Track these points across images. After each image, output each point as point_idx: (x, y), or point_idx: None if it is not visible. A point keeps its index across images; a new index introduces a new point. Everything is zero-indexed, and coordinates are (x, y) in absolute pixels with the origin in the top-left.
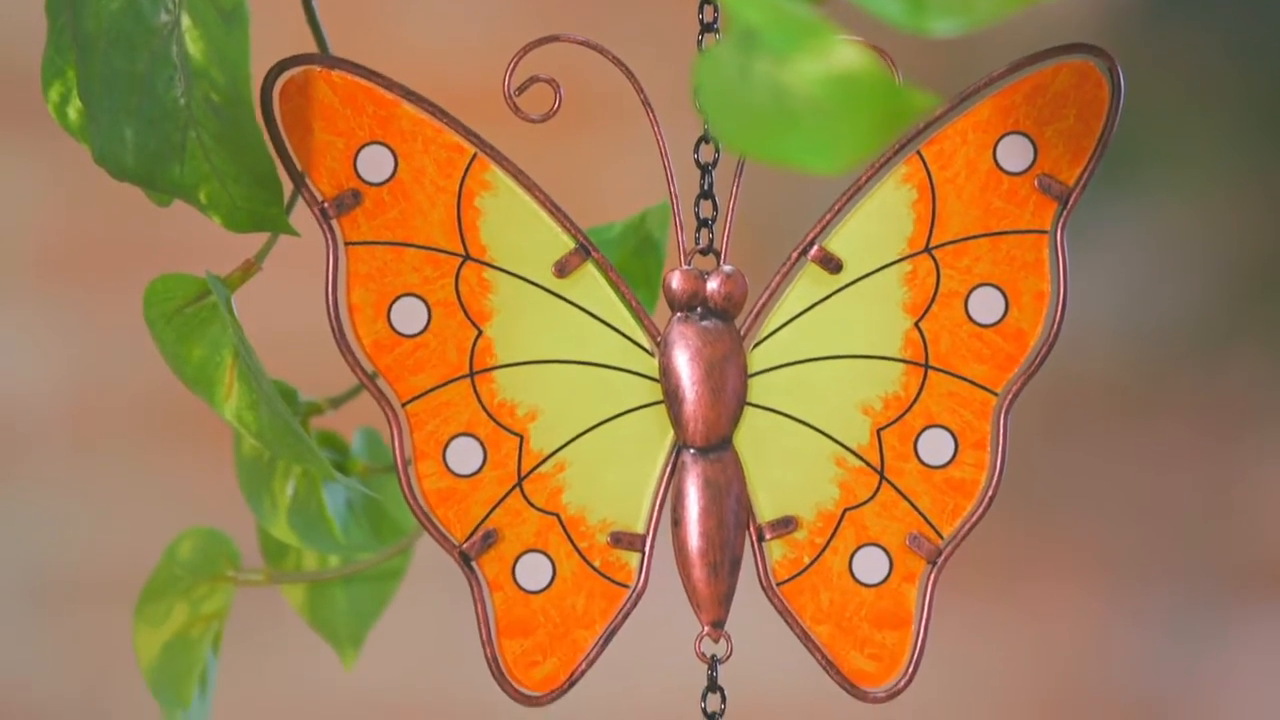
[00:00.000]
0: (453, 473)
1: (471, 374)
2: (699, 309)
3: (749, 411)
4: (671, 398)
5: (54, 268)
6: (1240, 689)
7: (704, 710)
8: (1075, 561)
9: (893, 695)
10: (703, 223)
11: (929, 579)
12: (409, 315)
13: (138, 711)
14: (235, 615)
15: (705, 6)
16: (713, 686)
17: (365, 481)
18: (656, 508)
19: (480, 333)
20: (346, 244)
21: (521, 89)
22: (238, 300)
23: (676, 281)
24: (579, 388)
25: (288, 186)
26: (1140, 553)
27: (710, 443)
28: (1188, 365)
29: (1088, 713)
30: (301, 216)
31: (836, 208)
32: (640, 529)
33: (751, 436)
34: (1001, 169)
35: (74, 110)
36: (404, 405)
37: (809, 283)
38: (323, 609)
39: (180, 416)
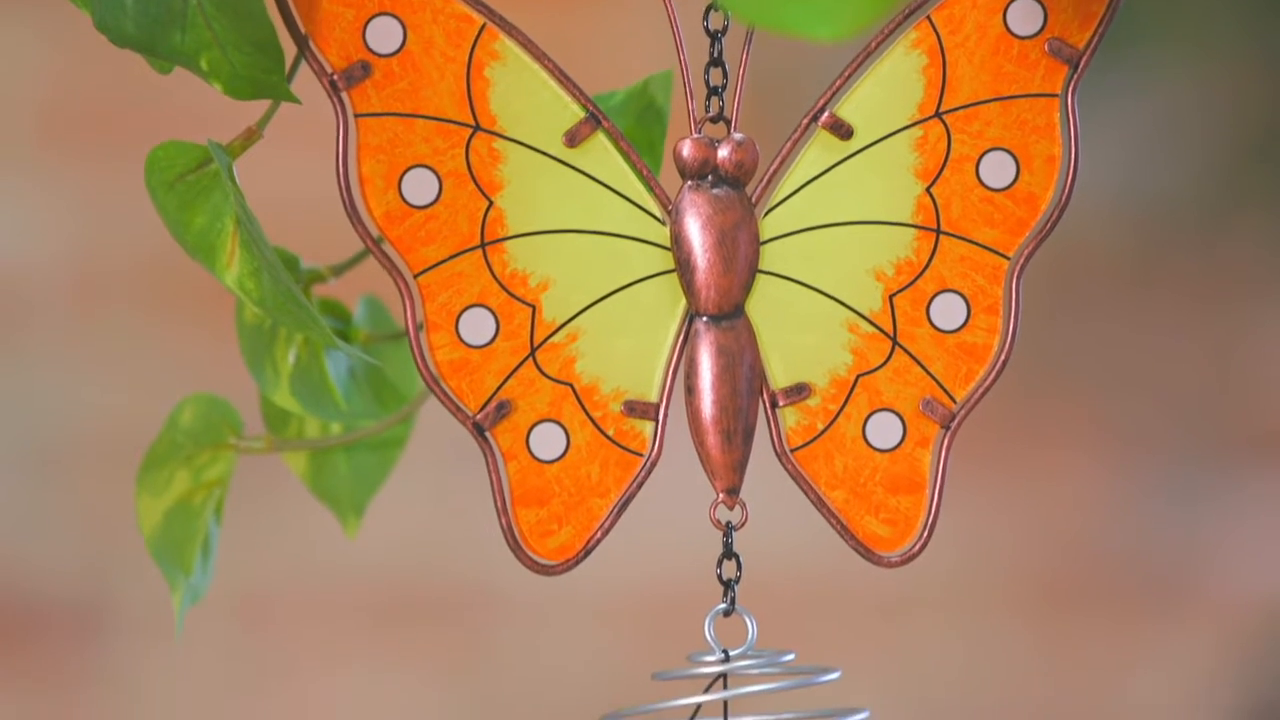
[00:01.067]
0: (465, 344)
1: (483, 245)
2: (710, 177)
3: (761, 279)
4: (683, 266)
5: (55, 135)
6: (1240, 551)
7: (720, 577)
8: (1078, 429)
9: (907, 559)
10: (713, 90)
11: (943, 443)
12: (420, 186)
13: (140, 579)
14: (237, 482)
15: None
16: (728, 553)
17: (367, 349)
18: (670, 376)
19: (491, 203)
20: (356, 116)
21: None
22: (239, 168)
23: (687, 150)
24: (591, 257)
25: (289, 54)
26: (1142, 420)
27: (723, 310)
28: (1188, 235)
29: (1091, 575)
30: (303, 83)
31: (847, 74)
32: (654, 398)
33: (764, 304)
34: (1011, 33)
35: None
36: (416, 277)
37: (820, 149)
38: (325, 477)
39: (182, 284)
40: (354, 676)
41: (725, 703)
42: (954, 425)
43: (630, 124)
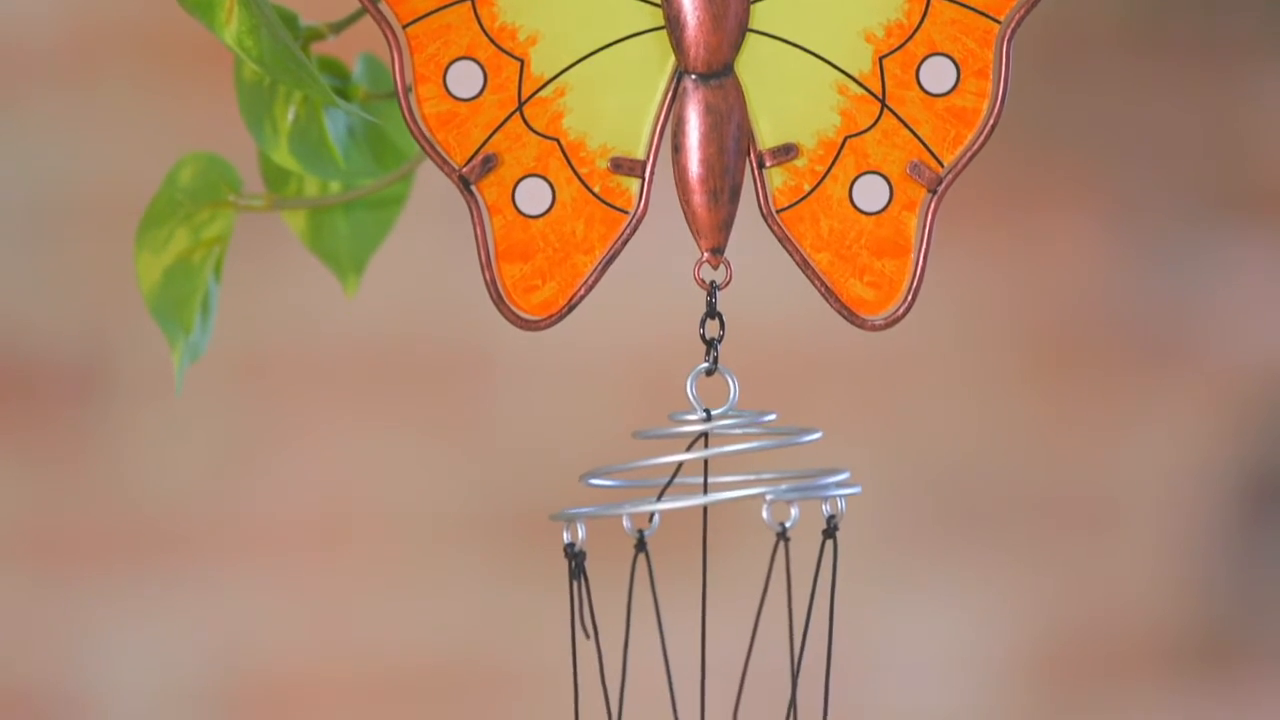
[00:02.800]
0: (453, 96)
1: None
2: None
3: (751, 38)
4: (673, 23)
5: None
6: (1238, 313)
7: (703, 336)
8: (1075, 192)
9: (891, 323)
10: None
11: (929, 207)
12: None
13: (139, 338)
14: (237, 241)
15: None
16: (711, 313)
17: (366, 107)
18: (657, 134)
19: None
20: None
21: None
22: None
23: None
24: (580, 12)
25: None
26: (1140, 182)
27: (712, 69)
28: None
29: (1088, 338)
30: None
31: None
32: (640, 155)
33: (753, 63)
34: None
35: None
36: (404, 28)
37: None
38: (324, 235)
39: (180, 42)
40: (351, 435)
41: (706, 461)
42: (941, 189)
43: None
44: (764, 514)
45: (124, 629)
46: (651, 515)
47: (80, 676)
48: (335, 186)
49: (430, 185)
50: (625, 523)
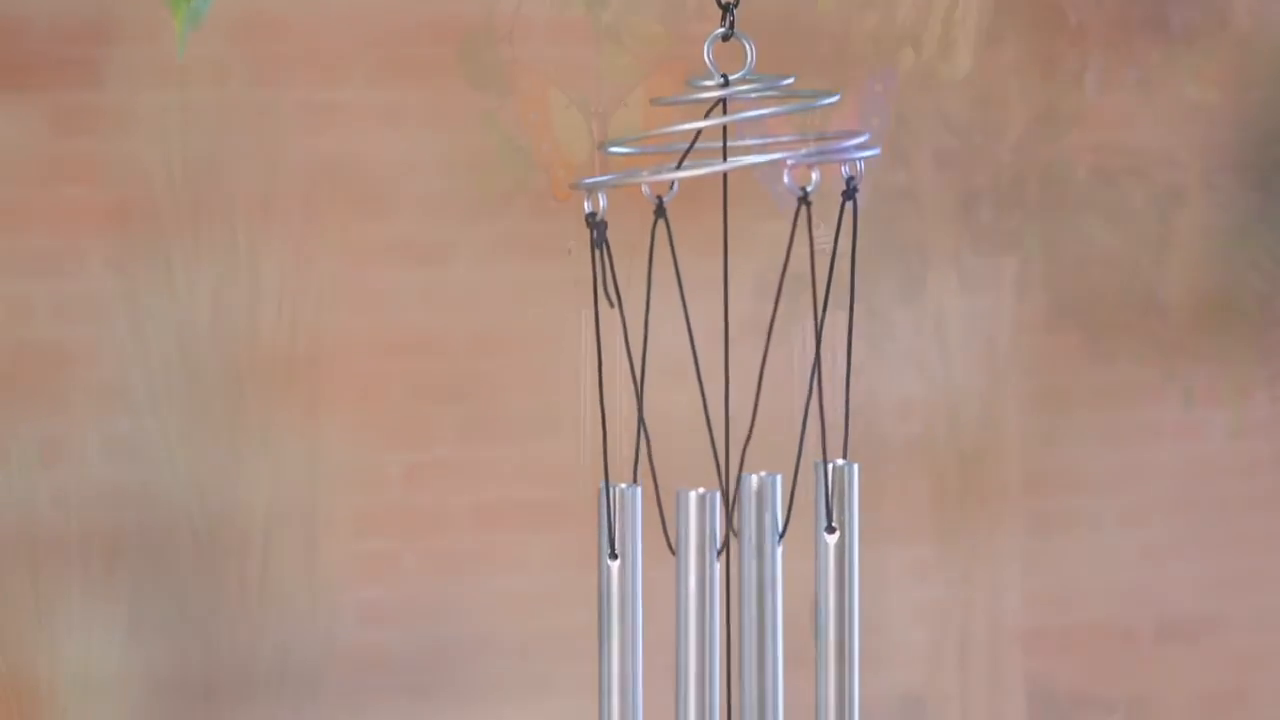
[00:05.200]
0: None
1: None
2: None
3: None
4: None
5: None
6: None
7: (719, 1)
8: None
9: None
10: None
11: None
12: None
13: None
14: None
15: None
16: None
17: None
18: None
19: None
20: None
21: None
22: None
23: None
24: None
25: None
26: None
27: None
28: None
29: None
30: None
31: None
32: None
33: None
34: None
35: None
36: None
37: None
38: None
39: None
40: (360, 105)
41: (725, 127)
42: None
43: None
44: (785, 179)
45: None
46: (671, 182)
47: None
48: None
49: None
50: (644, 189)
